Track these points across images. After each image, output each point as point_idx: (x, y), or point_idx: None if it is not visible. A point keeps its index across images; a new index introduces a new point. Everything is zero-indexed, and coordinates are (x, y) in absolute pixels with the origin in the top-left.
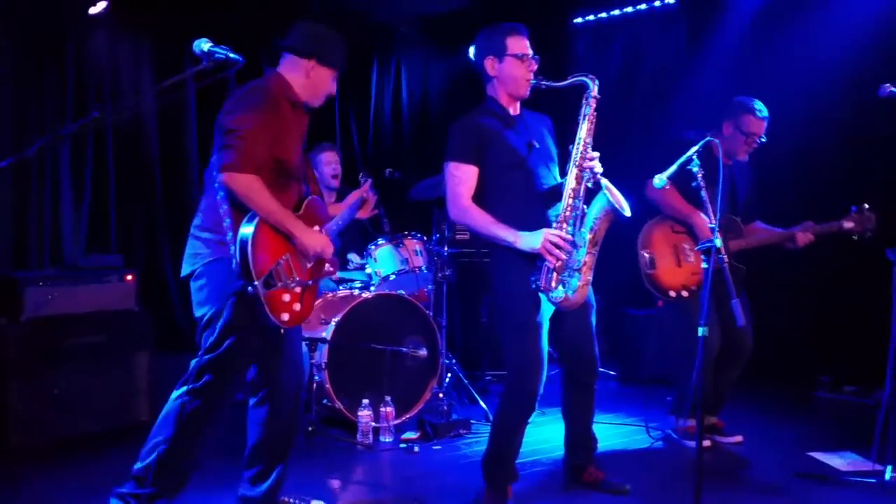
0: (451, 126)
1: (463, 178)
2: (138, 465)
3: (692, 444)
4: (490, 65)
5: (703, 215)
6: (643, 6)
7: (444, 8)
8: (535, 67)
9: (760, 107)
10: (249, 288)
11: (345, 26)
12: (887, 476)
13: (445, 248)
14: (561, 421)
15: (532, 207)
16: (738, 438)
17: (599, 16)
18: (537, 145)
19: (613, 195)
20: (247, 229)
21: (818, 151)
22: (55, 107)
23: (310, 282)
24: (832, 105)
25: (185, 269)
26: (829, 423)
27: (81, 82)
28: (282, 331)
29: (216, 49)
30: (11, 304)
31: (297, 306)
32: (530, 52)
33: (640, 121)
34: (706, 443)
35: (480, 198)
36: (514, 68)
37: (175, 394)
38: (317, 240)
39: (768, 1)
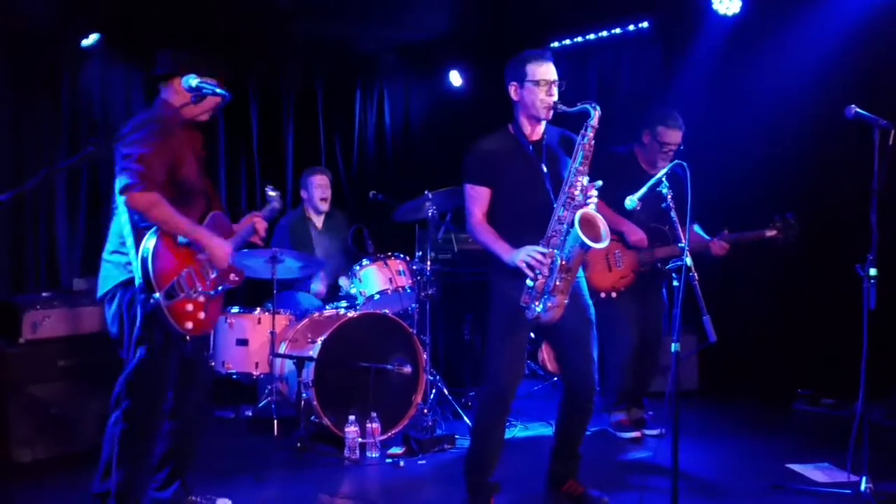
0: (468, 150)
1: (476, 197)
2: (97, 491)
3: (626, 434)
4: (513, 90)
5: (630, 223)
6: (618, 30)
7: (423, 36)
8: (556, 92)
9: (674, 117)
10: (151, 300)
11: (328, 55)
12: (863, 487)
13: (428, 268)
14: (544, 435)
15: (530, 231)
16: (659, 431)
17: (576, 40)
18: (546, 170)
19: (590, 227)
20: (147, 244)
21: (787, 167)
22: (50, 137)
23: (214, 292)
24: (802, 123)
25: (99, 292)
26: (809, 435)
27: (76, 113)
28: (187, 338)
29: (204, 84)
30: (10, 326)
31: (202, 315)
32: (552, 77)
33: (616, 142)
34: (636, 434)
35: (492, 217)
36: (532, 94)
37: (112, 419)
38: (224, 247)
39: (740, 23)
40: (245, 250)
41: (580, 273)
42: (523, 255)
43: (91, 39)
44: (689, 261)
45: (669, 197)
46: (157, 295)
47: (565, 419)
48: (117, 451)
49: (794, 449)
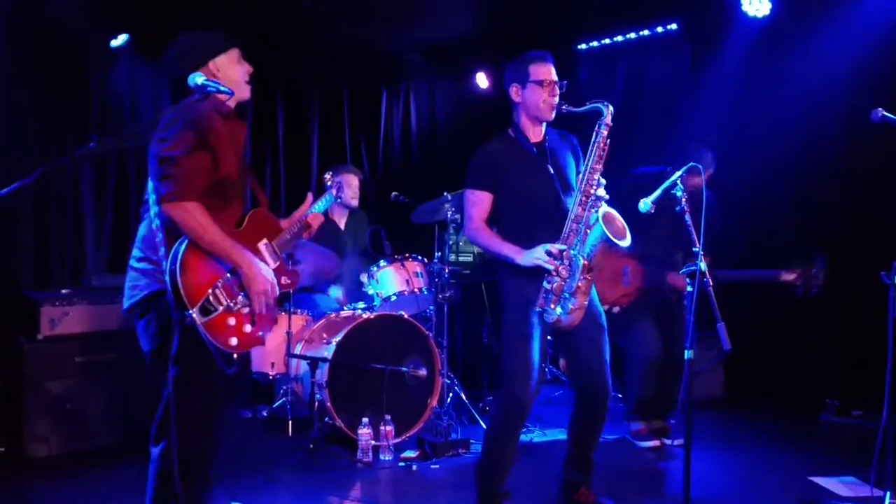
0: (472, 155)
1: (477, 202)
2: None
3: (645, 443)
4: (515, 92)
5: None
6: (646, 32)
7: (450, 36)
8: (558, 93)
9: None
10: (186, 318)
11: (354, 56)
12: (886, 502)
13: (447, 270)
14: (560, 442)
15: (543, 233)
16: (681, 441)
17: (603, 42)
18: (552, 171)
19: (612, 225)
20: (175, 252)
21: (815, 171)
22: (79, 136)
23: None
24: (830, 126)
25: (126, 303)
26: (835, 447)
27: (104, 114)
28: (234, 356)
29: (208, 83)
30: (29, 322)
31: (248, 328)
32: (554, 78)
33: (643, 144)
34: (655, 443)
35: (502, 222)
36: (535, 94)
37: (158, 451)
38: (266, 281)
39: (770, 25)
40: None
41: None
42: (539, 253)
43: (120, 40)
44: (703, 266)
45: (684, 200)
46: (190, 312)
47: (579, 425)
48: (176, 481)
49: (820, 461)
